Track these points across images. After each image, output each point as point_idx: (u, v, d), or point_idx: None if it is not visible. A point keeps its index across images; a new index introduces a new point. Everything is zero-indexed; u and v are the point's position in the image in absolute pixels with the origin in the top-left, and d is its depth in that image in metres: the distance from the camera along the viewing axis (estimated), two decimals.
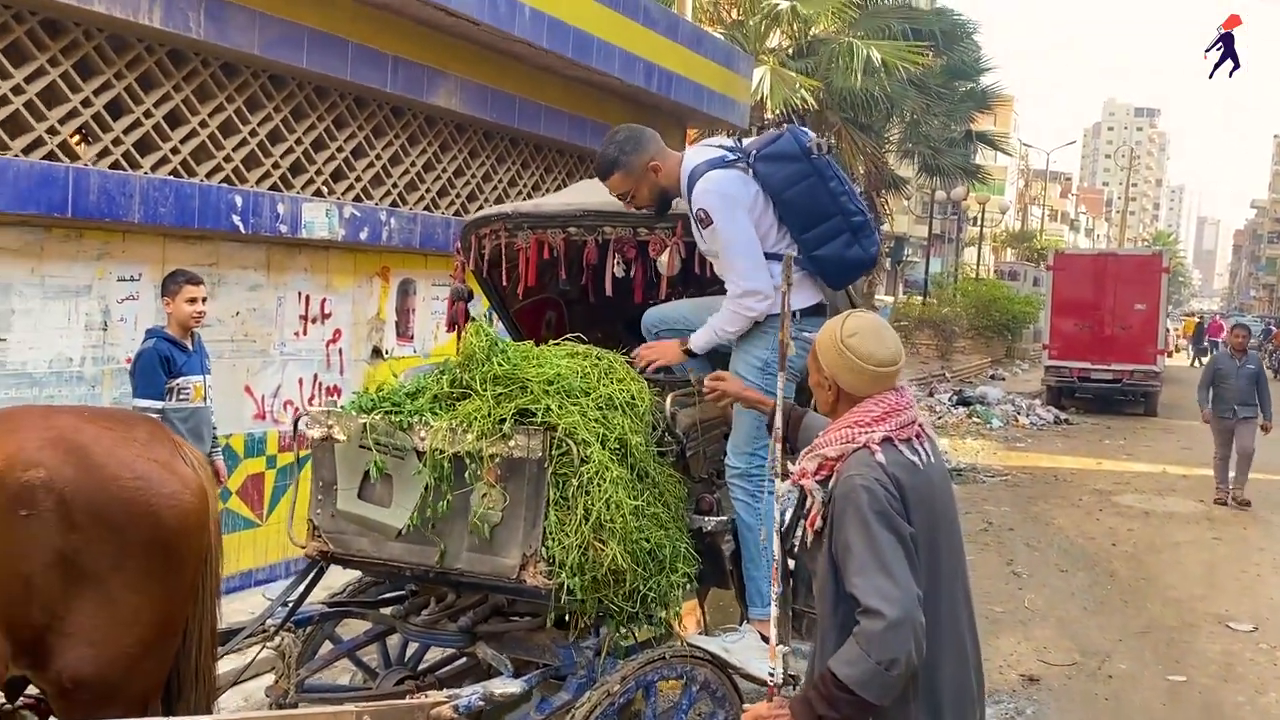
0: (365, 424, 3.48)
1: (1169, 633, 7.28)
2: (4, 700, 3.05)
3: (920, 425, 2.82)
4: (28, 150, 5.58)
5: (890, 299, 36.33)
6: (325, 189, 7.44)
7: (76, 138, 5.96)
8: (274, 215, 6.79)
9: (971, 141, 26.33)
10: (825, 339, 2.83)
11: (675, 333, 4.10)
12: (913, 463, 2.72)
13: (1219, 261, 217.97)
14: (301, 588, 3.94)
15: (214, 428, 5.88)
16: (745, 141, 3.90)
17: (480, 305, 5.08)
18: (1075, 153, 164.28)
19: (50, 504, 2.76)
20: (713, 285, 4.54)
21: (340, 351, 7.72)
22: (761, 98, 16.35)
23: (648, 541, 3.35)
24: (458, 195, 8.75)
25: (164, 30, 5.98)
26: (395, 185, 8.07)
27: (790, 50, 18.95)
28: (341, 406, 3.68)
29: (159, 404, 5.38)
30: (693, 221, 3.84)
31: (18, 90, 5.52)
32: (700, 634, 5.56)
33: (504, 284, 4.76)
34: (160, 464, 3.01)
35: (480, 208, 8.78)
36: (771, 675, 3.01)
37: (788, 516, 4.00)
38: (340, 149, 7.55)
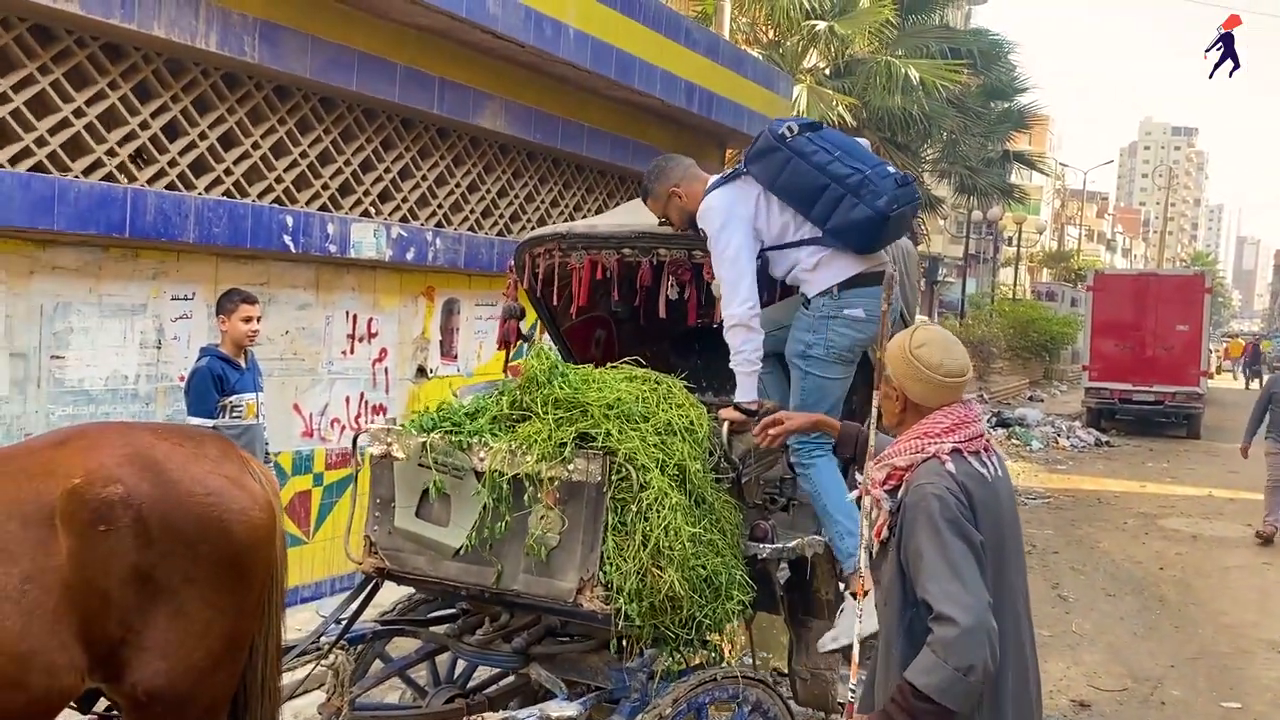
0: (425, 443, 3.50)
1: (1222, 659, 7.17)
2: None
3: (987, 439, 2.84)
4: (87, 172, 5.68)
5: (926, 319, 36.07)
6: (373, 210, 7.52)
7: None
8: (324, 235, 6.87)
9: (1008, 161, 26.19)
10: (894, 349, 2.86)
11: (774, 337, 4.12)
12: (981, 475, 2.74)
13: (1259, 282, 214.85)
14: (356, 604, 3.96)
15: (267, 444, 5.94)
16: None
17: (525, 323, 5.10)
18: (1112, 173, 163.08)
19: (128, 519, 2.81)
20: (767, 305, 4.56)
21: (386, 370, 7.79)
22: (800, 115, 16.33)
23: (704, 568, 3.35)
24: (501, 216, 8.81)
25: (219, 54, 6.08)
26: (440, 206, 8.14)
27: (828, 70, 18.95)
28: (401, 424, 3.71)
29: (211, 422, 5.44)
30: None
31: (79, 113, 5.63)
32: (745, 655, 5.56)
33: (555, 303, 4.79)
34: (231, 480, 3.06)
35: (523, 228, 8.85)
36: (853, 693, 3.02)
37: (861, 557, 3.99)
38: (388, 170, 7.64)
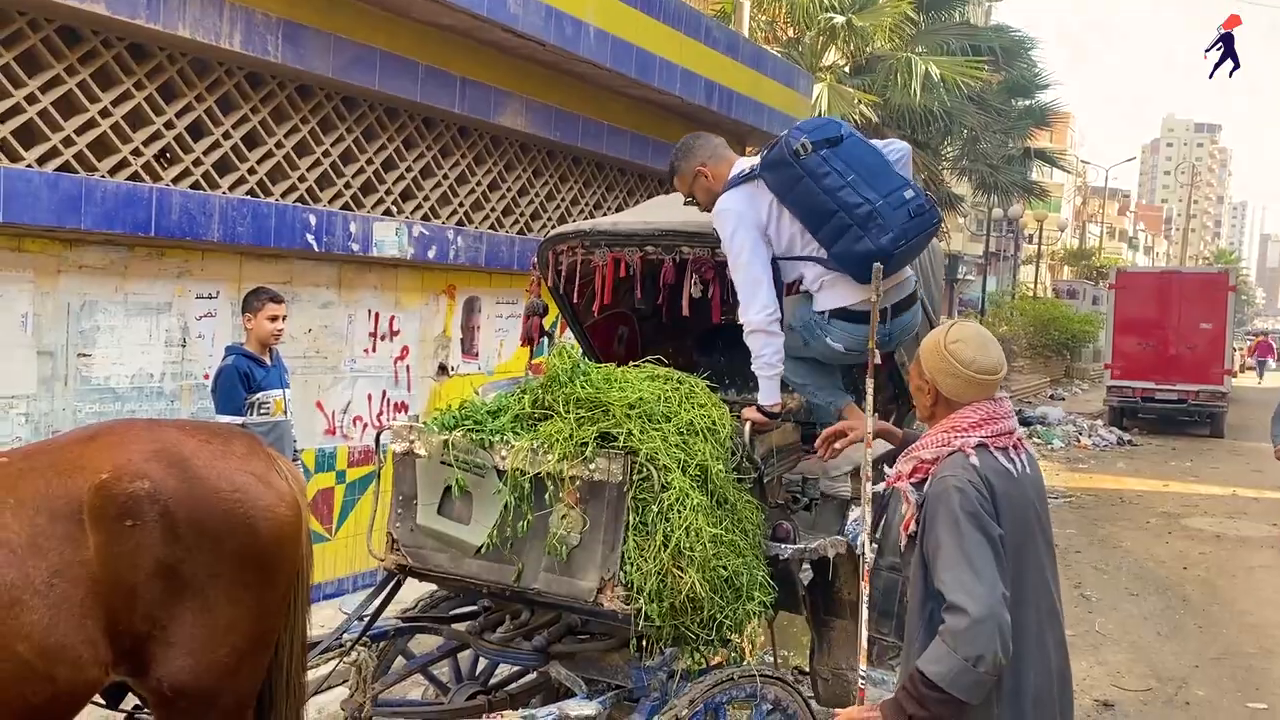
0: (447, 441, 3.52)
1: (1248, 659, 7.12)
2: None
3: (1019, 437, 2.86)
4: (113, 171, 5.73)
5: (946, 318, 35.91)
6: (394, 208, 7.56)
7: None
8: (346, 234, 6.91)
9: (1029, 158, 26.04)
10: (929, 343, 2.88)
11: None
12: (1007, 470, 2.76)
13: None
14: (379, 601, 3.98)
15: (294, 440, 5.97)
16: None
17: (547, 321, 5.12)
18: (1134, 170, 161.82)
19: (155, 515, 2.84)
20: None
21: (408, 368, 7.82)
22: (820, 112, 16.30)
23: (725, 569, 3.34)
24: (522, 214, 8.83)
25: (243, 54, 6.12)
26: (462, 204, 8.17)
27: (848, 67, 18.89)
28: (424, 422, 3.73)
29: (239, 419, 5.48)
30: None
31: (105, 113, 5.68)
32: (766, 654, 5.56)
33: (578, 300, 4.80)
34: (257, 477, 3.08)
35: (544, 227, 8.87)
36: (863, 678, 3.04)
37: (858, 542, 4.01)
38: (409, 169, 7.67)
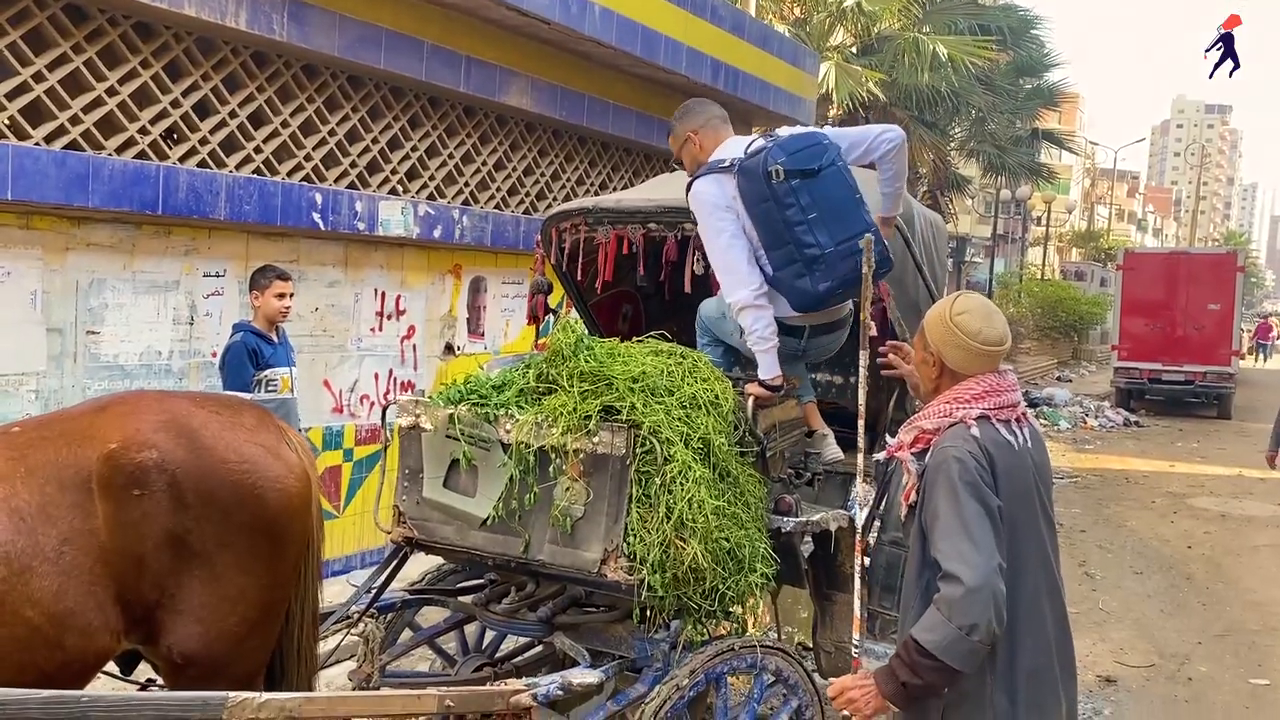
0: (452, 415, 3.55)
1: (1250, 636, 7.15)
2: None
3: (1022, 410, 2.86)
4: (120, 150, 5.76)
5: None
6: (400, 187, 7.58)
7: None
8: (352, 213, 6.93)
9: (1037, 139, 25.94)
10: (935, 315, 2.88)
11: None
12: (1009, 442, 2.76)
13: None
14: (386, 573, 4.02)
15: (299, 419, 6.01)
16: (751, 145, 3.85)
17: (552, 300, 5.14)
18: (1143, 151, 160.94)
19: (162, 484, 2.87)
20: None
21: (414, 347, 7.86)
22: (828, 91, 16.26)
23: (728, 541, 3.37)
24: (527, 194, 8.85)
25: (249, 32, 6.14)
26: (467, 184, 8.19)
27: (855, 47, 18.82)
28: (431, 397, 3.76)
29: (248, 396, 5.51)
30: None
31: (112, 92, 5.70)
32: (771, 629, 5.59)
33: (582, 278, 4.82)
34: (267, 449, 3.11)
35: (549, 206, 8.88)
36: (856, 647, 3.07)
37: (862, 517, 4.04)
38: (415, 148, 7.69)
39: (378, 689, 3.94)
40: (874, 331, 3.42)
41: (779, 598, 5.71)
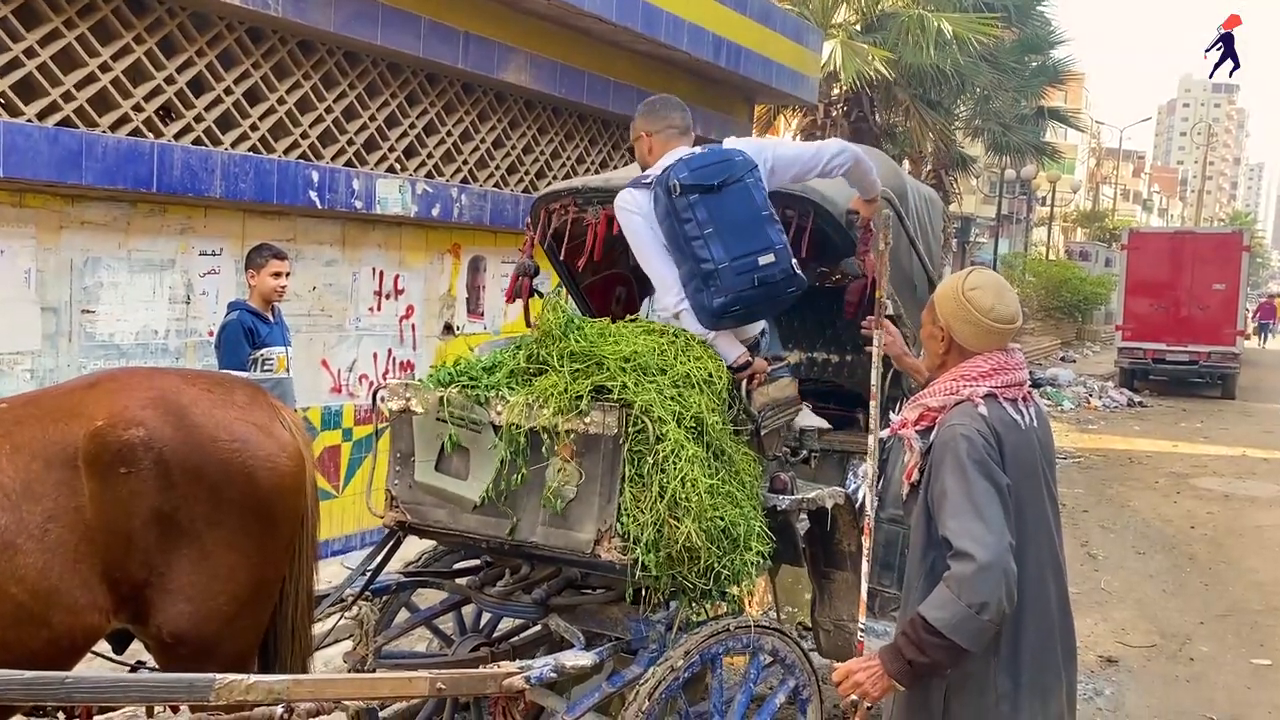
0: (442, 397, 3.51)
1: (1253, 616, 7.13)
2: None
3: (1028, 389, 2.83)
4: (114, 127, 5.71)
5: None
6: (398, 165, 7.52)
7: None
8: (349, 191, 6.88)
9: (1042, 118, 25.73)
10: (946, 289, 2.85)
11: None
12: (1015, 421, 2.74)
13: None
14: (379, 557, 4.00)
15: (295, 399, 5.99)
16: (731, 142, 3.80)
17: (550, 282, 5.10)
18: (1149, 131, 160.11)
19: (149, 462, 2.84)
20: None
21: (413, 327, 7.82)
22: (834, 70, 16.14)
23: (722, 519, 3.33)
24: (527, 172, 8.78)
25: (243, 7, 6.07)
26: (466, 162, 8.12)
27: (859, 25, 18.66)
28: (420, 380, 3.72)
29: (244, 375, 5.49)
30: None
31: (105, 68, 5.65)
32: (770, 610, 5.58)
33: (572, 259, 4.77)
34: (258, 427, 3.08)
35: (549, 184, 8.82)
36: (862, 630, 3.05)
37: (861, 495, 4.03)
38: (412, 126, 7.63)
39: (373, 671, 3.93)
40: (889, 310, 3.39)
41: (780, 578, 5.70)
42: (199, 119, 6.15)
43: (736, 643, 3.52)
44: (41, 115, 5.39)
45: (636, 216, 3.74)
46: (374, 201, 7.08)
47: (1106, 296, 30.87)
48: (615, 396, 3.22)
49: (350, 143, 7.14)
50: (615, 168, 9.74)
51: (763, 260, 3.51)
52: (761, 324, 3.94)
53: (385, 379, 7.52)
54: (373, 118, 7.29)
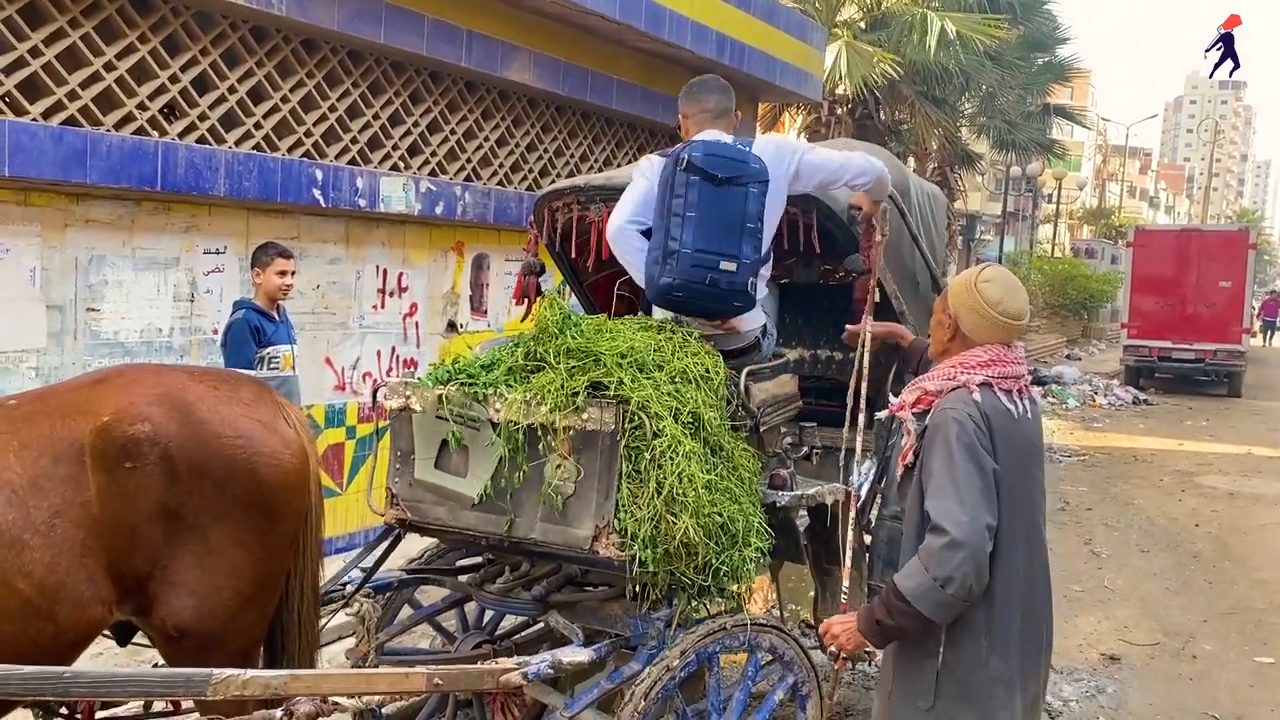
0: (441, 395, 3.52)
1: (1256, 614, 7.11)
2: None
3: (1025, 383, 2.92)
4: (119, 125, 5.73)
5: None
6: (402, 164, 7.54)
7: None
8: (353, 189, 6.90)
9: (1048, 115, 25.68)
10: (960, 280, 2.96)
11: None
12: (1008, 410, 2.84)
13: None
14: (377, 554, 4.01)
15: (300, 396, 6.01)
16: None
17: (553, 280, 5.10)
18: (1155, 128, 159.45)
19: (154, 457, 2.87)
20: (788, 257, 4.53)
21: (417, 325, 7.84)
22: (838, 74, 16.12)
23: (720, 515, 3.34)
24: (530, 170, 8.79)
25: (247, 6, 6.10)
26: (469, 160, 8.14)
27: (863, 23, 18.64)
28: (419, 378, 3.73)
29: (250, 373, 5.50)
30: None
31: (109, 67, 5.67)
32: (774, 608, 5.58)
33: (576, 257, 4.78)
34: (263, 423, 3.11)
35: (552, 182, 8.82)
36: (845, 592, 3.32)
37: (864, 491, 4.03)
38: (416, 124, 7.64)
39: (375, 667, 3.94)
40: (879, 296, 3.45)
41: (784, 576, 5.70)
42: (203, 117, 6.17)
43: (734, 641, 3.53)
44: (46, 114, 5.42)
45: (644, 181, 3.82)
46: (378, 200, 7.10)
47: (1112, 294, 30.76)
48: (612, 393, 3.23)
49: (354, 141, 7.16)
50: (618, 165, 9.74)
51: (724, 265, 3.55)
52: (762, 321, 3.95)
53: (389, 376, 7.54)
54: (376, 116, 7.31)
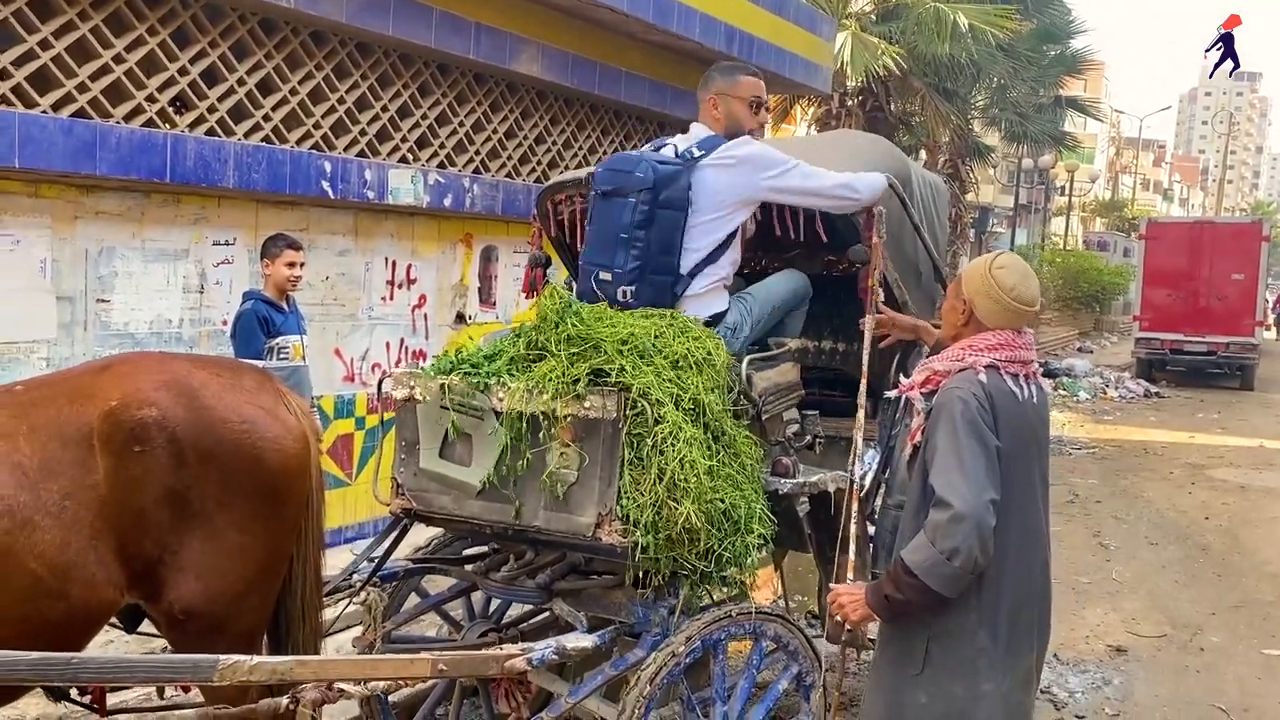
0: (444, 385, 3.55)
1: (1265, 607, 7.10)
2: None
3: (1033, 369, 3.00)
4: (128, 118, 5.76)
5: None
6: (410, 156, 7.55)
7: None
8: (362, 181, 6.92)
9: (1061, 107, 25.53)
10: (975, 266, 3.04)
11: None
12: (1014, 393, 2.91)
13: None
14: (385, 544, 4.05)
15: (311, 386, 6.04)
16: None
17: (559, 274, 5.12)
18: (1169, 120, 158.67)
19: (162, 441, 2.91)
20: (793, 249, 4.54)
21: (425, 317, 7.87)
22: (842, 65, 16.06)
23: (722, 501, 3.36)
24: (539, 162, 8.80)
25: None
26: (478, 152, 8.15)
27: (873, 15, 18.57)
28: (423, 368, 3.76)
29: (259, 364, 5.54)
30: None
31: (119, 59, 5.70)
32: (780, 599, 5.59)
33: (580, 249, 4.78)
34: (265, 410, 3.15)
35: (560, 174, 8.83)
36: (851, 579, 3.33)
37: (867, 481, 4.05)
38: (425, 116, 7.66)
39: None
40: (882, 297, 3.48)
41: (791, 566, 5.71)
42: (212, 110, 6.20)
43: (738, 629, 3.55)
44: (56, 106, 5.45)
45: None
46: (386, 192, 7.12)
47: (1125, 286, 30.67)
48: (613, 380, 3.25)
49: (362, 133, 7.18)
50: None
51: (602, 275, 3.76)
52: (723, 306, 3.92)
53: (397, 368, 7.56)
54: (385, 108, 7.33)
